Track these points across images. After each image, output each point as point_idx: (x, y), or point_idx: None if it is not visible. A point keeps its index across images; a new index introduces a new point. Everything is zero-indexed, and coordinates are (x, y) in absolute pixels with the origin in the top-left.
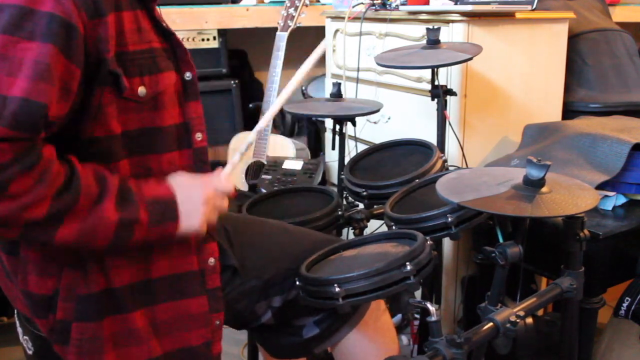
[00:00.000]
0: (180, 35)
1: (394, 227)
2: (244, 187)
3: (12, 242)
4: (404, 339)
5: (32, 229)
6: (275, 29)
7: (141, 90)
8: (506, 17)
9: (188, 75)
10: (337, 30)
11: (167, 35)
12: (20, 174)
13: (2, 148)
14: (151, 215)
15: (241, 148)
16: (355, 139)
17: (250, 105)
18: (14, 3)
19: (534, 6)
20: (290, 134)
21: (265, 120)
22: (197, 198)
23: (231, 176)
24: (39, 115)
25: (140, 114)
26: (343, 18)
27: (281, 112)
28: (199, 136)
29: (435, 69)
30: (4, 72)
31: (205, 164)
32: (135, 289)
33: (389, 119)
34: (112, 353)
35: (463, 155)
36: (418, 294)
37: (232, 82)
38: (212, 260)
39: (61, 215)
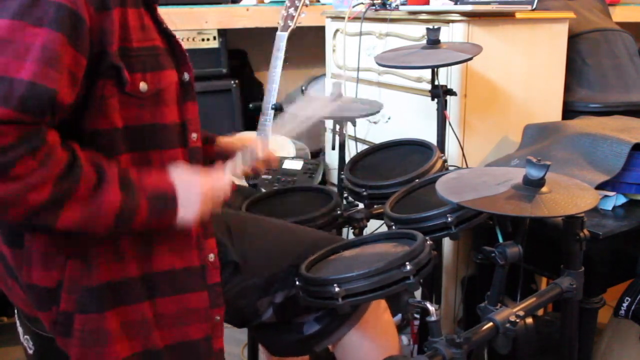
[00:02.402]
0: (180, 35)
1: (393, 227)
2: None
3: (16, 234)
4: (404, 339)
5: (35, 213)
6: (275, 29)
7: (142, 86)
8: (506, 17)
9: (186, 76)
10: (337, 30)
11: (167, 36)
12: (24, 156)
13: (7, 130)
14: (151, 207)
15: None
16: (355, 139)
17: (250, 105)
18: None
19: (534, 6)
20: None
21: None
22: (195, 194)
23: (233, 172)
24: (46, 100)
25: (142, 109)
26: (343, 18)
27: (281, 112)
28: (194, 136)
29: (435, 69)
30: (11, 55)
31: (199, 163)
32: (138, 283)
33: (389, 119)
34: (115, 345)
35: (463, 155)
36: (418, 293)
37: (232, 82)
38: (212, 255)
39: (63, 199)
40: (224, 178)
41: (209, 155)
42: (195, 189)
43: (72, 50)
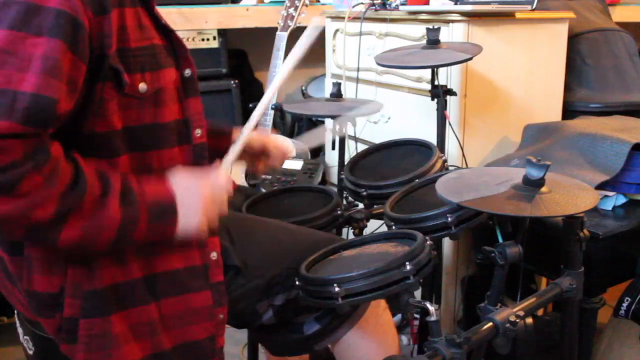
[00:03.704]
0: (180, 35)
1: (393, 227)
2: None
3: (16, 242)
4: (404, 339)
5: (38, 230)
6: (275, 29)
7: (142, 86)
8: (506, 17)
9: (187, 72)
10: (337, 30)
11: (166, 32)
12: (31, 172)
13: (12, 145)
14: (151, 217)
15: (241, 136)
16: (355, 139)
17: (250, 105)
18: None
19: (534, 6)
20: (290, 134)
21: (264, 102)
22: (195, 199)
23: (230, 169)
24: (49, 111)
25: (141, 109)
26: (343, 18)
27: (281, 112)
28: (198, 132)
29: (435, 69)
30: (14, 68)
31: (204, 159)
32: (141, 284)
33: (389, 119)
34: (121, 348)
35: (463, 155)
36: (418, 293)
37: (232, 82)
38: (214, 254)
39: (66, 215)
40: (222, 177)
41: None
42: (194, 196)
43: (72, 56)
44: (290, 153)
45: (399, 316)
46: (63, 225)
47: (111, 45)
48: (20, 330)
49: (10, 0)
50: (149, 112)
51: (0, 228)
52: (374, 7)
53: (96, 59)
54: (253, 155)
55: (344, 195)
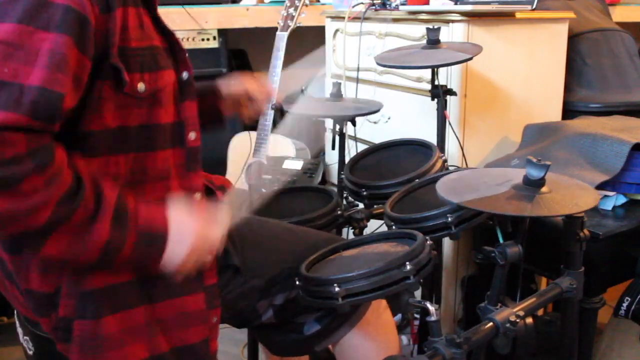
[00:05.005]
0: (180, 35)
1: (393, 227)
2: (244, 187)
3: (15, 241)
4: (404, 338)
5: (27, 235)
6: (275, 29)
7: (140, 86)
8: (506, 17)
9: (185, 75)
10: (337, 30)
11: (166, 34)
12: (34, 171)
13: (17, 139)
14: (138, 242)
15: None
16: (355, 139)
17: None
18: None
19: (534, 6)
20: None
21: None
22: (187, 236)
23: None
24: (56, 105)
25: (138, 110)
26: (343, 18)
27: (281, 112)
28: (192, 136)
29: (435, 69)
30: (21, 62)
31: (197, 163)
32: (134, 286)
33: (389, 119)
34: (114, 350)
35: (463, 155)
36: (418, 293)
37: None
38: (209, 257)
39: (57, 224)
40: (218, 232)
41: (217, 110)
42: (187, 237)
43: (78, 52)
44: (273, 95)
45: (399, 316)
46: (50, 236)
47: (114, 43)
48: (20, 331)
49: None
50: (146, 112)
51: None
52: (374, 7)
53: (99, 56)
54: (236, 102)
55: (344, 195)
